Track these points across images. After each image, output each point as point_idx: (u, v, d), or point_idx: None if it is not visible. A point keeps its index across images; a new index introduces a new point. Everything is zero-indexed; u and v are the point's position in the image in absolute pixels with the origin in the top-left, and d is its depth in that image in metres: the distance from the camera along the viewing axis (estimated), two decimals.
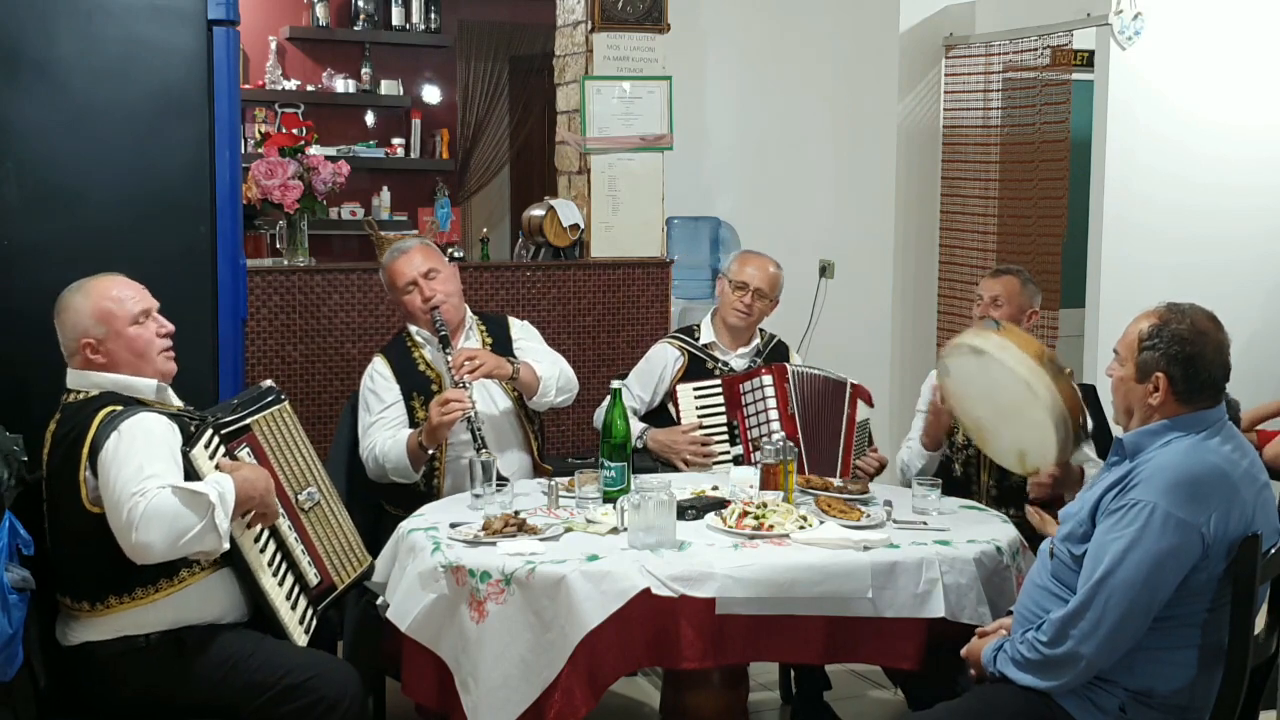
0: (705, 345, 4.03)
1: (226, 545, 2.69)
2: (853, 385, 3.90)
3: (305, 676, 2.75)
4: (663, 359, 4.01)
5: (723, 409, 3.90)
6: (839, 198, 5.83)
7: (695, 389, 3.91)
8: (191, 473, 2.72)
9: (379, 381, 3.71)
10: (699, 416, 3.89)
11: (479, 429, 3.53)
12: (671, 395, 3.94)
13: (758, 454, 3.66)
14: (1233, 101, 5.24)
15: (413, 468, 3.60)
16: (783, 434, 3.61)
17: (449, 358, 3.61)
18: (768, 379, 3.83)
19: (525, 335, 3.93)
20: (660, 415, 3.98)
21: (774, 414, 3.79)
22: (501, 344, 3.83)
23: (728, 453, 3.86)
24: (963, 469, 3.81)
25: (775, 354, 4.07)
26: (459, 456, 3.62)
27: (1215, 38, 5.19)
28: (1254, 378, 4.59)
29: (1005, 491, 3.73)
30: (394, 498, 3.67)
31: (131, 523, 2.58)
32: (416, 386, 3.70)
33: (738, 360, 4.02)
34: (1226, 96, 5.22)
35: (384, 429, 3.65)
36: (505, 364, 3.66)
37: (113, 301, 2.85)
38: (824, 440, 3.81)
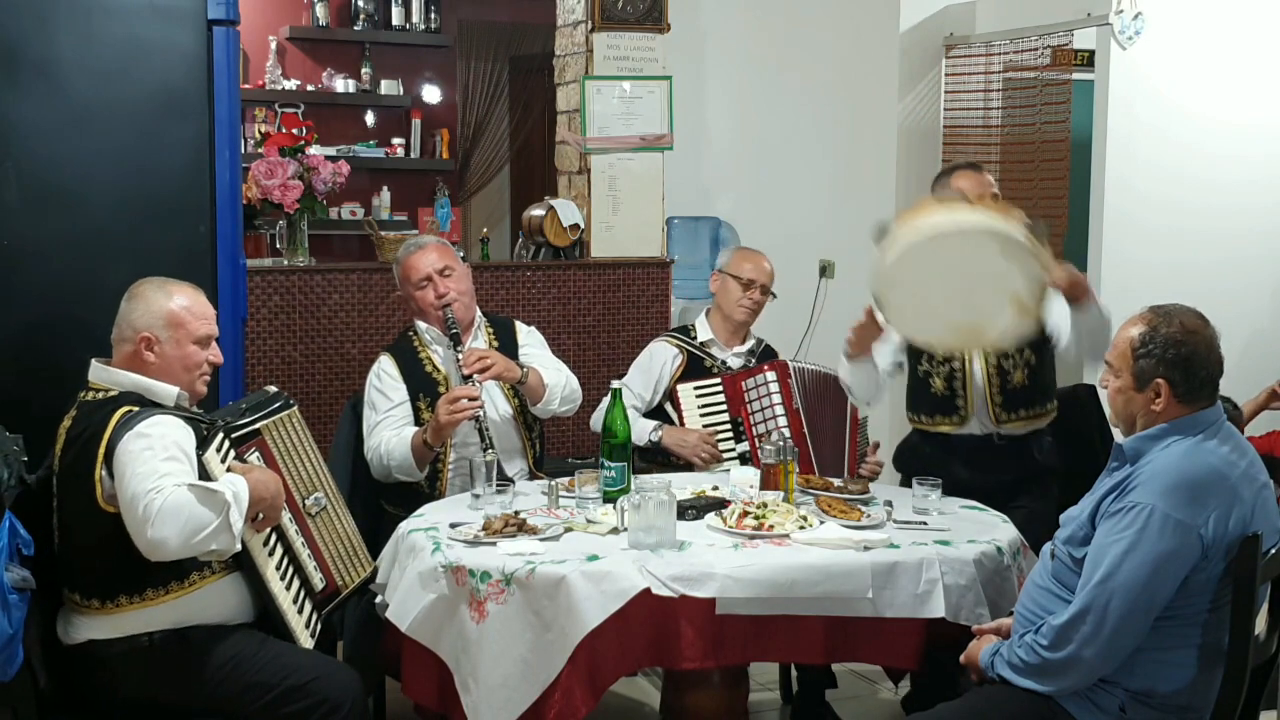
0: (703, 344, 4.03)
1: (239, 546, 2.70)
2: None
3: (308, 678, 2.75)
4: (662, 356, 4.00)
5: (724, 407, 3.89)
6: (839, 198, 5.82)
7: (696, 388, 3.91)
8: (204, 475, 2.73)
9: (386, 380, 3.70)
10: (700, 415, 3.89)
11: (486, 428, 3.53)
12: (671, 395, 3.93)
13: (763, 449, 3.67)
14: (1233, 100, 5.24)
15: (417, 466, 3.59)
16: (788, 429, 3.60)
17: (459, 356, 3.60)
18: (771, 375, 3.84)
19: (531, 342, 3.92)
20: (658, 415, 3.97)
21: (779, 409, 3.80)
22: (508, 348, 3.82)
23: (733, 450, 3.85)
24: (946, 384, 3.62)
25: (767, 358, 4.07)
26: (463, 458, 3.62)
27: (1215, 37, 5.19)
28: (1256, 375, 4.59)
29: (1009, 396, 3.57)
30: (395, 498, 3.67)
31: (147, 518, 2.57)
32: (423, 388, 3.69)
33: (734, 359, 4.03)
34: (1227, 95, 5.22)
35: (390, 427, 3.64)
36: (515, 366, 3.66)
37: (190, 314, 2.87)
38: (829, 438, 3.82)
